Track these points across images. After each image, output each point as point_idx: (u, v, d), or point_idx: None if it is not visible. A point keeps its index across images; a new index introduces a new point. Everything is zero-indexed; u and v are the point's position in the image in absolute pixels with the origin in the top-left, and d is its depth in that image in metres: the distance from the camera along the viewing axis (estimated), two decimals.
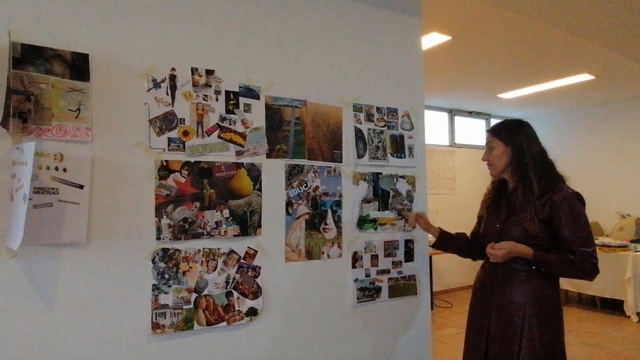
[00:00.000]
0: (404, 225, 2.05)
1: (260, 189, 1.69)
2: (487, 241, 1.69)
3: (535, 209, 1.60)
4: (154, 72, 1.50)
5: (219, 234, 1.59)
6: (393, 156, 2.05)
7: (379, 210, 2.00)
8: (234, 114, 1.65)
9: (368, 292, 1.94)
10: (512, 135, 1.72)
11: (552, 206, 1.59)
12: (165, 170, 1.51)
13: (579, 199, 1.62)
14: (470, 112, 6.69)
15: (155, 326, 1.46)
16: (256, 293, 1.66)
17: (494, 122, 6.92)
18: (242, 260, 1.64)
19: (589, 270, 1.56)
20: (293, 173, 1.77)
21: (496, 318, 1.67)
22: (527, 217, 1.60)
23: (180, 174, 1.53)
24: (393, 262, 2.02)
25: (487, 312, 1.71)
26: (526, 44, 3.82)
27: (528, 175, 1.64)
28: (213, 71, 1.61)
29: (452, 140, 6.49)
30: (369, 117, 1.99)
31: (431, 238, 2.02)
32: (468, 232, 1.98)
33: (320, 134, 1.85)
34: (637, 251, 4.72)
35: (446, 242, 1.95)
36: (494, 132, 1.77)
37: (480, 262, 1.89)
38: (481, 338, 1.71)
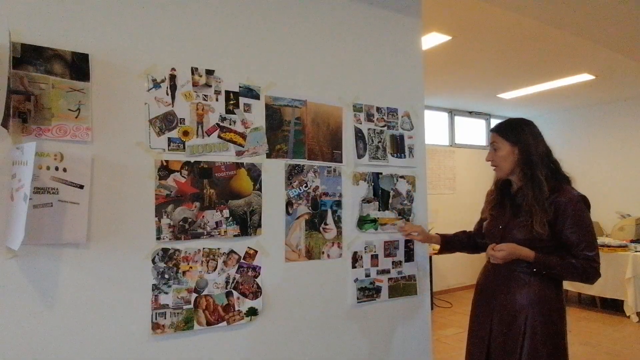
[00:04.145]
0: (404, 224, 2.05)
1: (260, 189, 1.69)
2: (489, 242, 1.68)
3: (544, 210, 1.57)
4: (154, 72, 1.50)
5: (219, 234, 1.59)
6: (393, 156, 2.05)
7: (379, 210, 2.00)
8: (234, 114, 1.65)
9: (368, 292, 1.94)
10: (519, 135, 1.67)
11: (557, 208, 1.57)
12: (165, 170, 1.50)
13: (584, 202, 1.59)
14: (470, 112, 6.69)
15: (155, 326, 1.46)
16: (256, 293, 1.66)
17: (494, 122, 6.95)
18: (242, 260, 1.64)
19: (591, 275, 1.55)
20: (293, 173, 1.77)
21: (498, 319, 1.66)
22: (537, 220, 1.56)
23: (180, 174, 1.53)
24: (393, 262, 2.02)
25: (489, 313, 1.70)
26: (526, 44, 3.82)
27: (537, 176, 1.61)
28: (213, 71, 1.61)
29: (452, 140, 6.49)
30: (369, 117, 1.99)
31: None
32: (468, 229, 1.99)
33: (320, 134, 1.85)
34: (637, 251, 4.72)
35: (449, 245, 1.96)
36: (499, 132, 1.72)
37: (484, 259, 1.88)
38: (483, 339, 1.70)
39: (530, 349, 1.57)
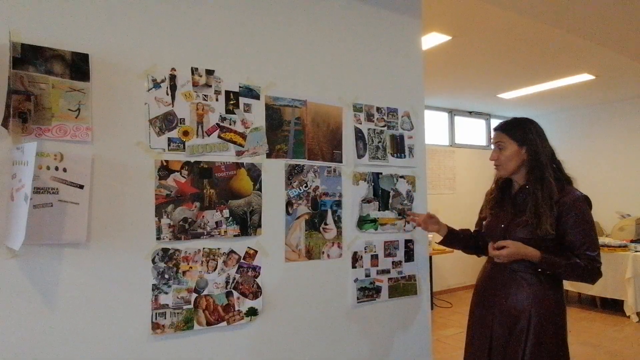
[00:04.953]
0: (404, 225, 2.05)
1: (260, 189, 1.69)
2: (490, 241, 1.67)
3: (552, 211, 1.56)
4: (154, 72, 1.50)
5: (219, 234, 1.59)
6: (393, 156, 2.05)
7: (379, 210, 2.00)
8: (234, 114, 1.65)
9: (368, 292, 1.94)
10: (526, 135, 1.65)
11: (560, 208, 1.56)
12: (165, 170, 1.51)
13: (586, 202, 1.60)
14: (470, 112, 6.69)
15: (155, 326, 1.47)
16: (256, 293, 1.66)
17: (494, 122, 6.96)
18: (242, 260, 1.64)
19: (593, 274, 1.55)
20: (293, 173, 1.77)
21: (499, 321, 1.65)
22: (545, 221, 1.56)
23: (180, 174, 1.53)
24: (393, 262, 2.02)
25: (489, 314, 1.69)
26: (526, 44, 3.82)
27: (546, 177, 1.60)
28: (213, 71, 1.61)
29: (452, 140, 6.50)
30: (369, 117, 1.99)
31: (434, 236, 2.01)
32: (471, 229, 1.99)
33: (320, 134, 1.85)
34: (637, 251, 4.72)
35: (452, 239, 1.94)
36: (506, 131, 1.69)
37: (483, 259, 1.87)
38: (484, 341, 1.69)
39: (533, 349, 1.56)
